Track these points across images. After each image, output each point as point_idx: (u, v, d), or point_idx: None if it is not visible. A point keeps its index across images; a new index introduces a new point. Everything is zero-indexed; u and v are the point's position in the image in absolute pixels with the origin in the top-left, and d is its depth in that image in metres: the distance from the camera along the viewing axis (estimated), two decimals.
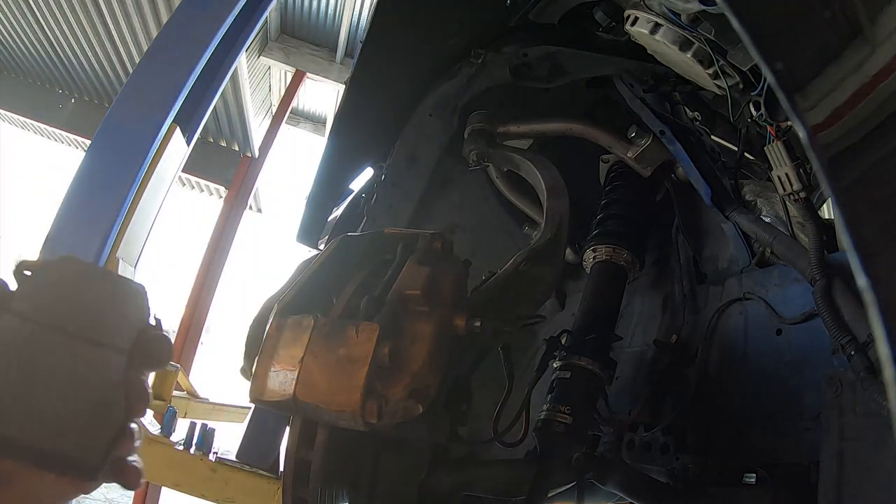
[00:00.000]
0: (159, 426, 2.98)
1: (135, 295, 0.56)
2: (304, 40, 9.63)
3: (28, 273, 0.55)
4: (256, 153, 10.16)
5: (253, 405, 0.91)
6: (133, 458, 0.58)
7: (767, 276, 1.21)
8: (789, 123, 1.05)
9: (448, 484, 1.14)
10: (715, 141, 1.46)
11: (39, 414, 0.51)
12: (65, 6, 8.17)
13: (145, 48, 6.79)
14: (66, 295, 0.54)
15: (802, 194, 1.05)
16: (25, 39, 9.20)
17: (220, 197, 10.35)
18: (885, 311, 0.39)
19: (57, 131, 10.67)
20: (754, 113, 1.09)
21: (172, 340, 0.63)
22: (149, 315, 0.57)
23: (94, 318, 0.54)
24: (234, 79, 8.26)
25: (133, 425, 0.56)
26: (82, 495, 0.56)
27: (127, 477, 0.57)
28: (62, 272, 0.56)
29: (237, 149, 10.41)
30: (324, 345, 0.80)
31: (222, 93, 5.85)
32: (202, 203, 11.76)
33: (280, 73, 10.42)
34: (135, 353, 0.55)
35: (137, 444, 0.57)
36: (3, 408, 0.50)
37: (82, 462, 0.52)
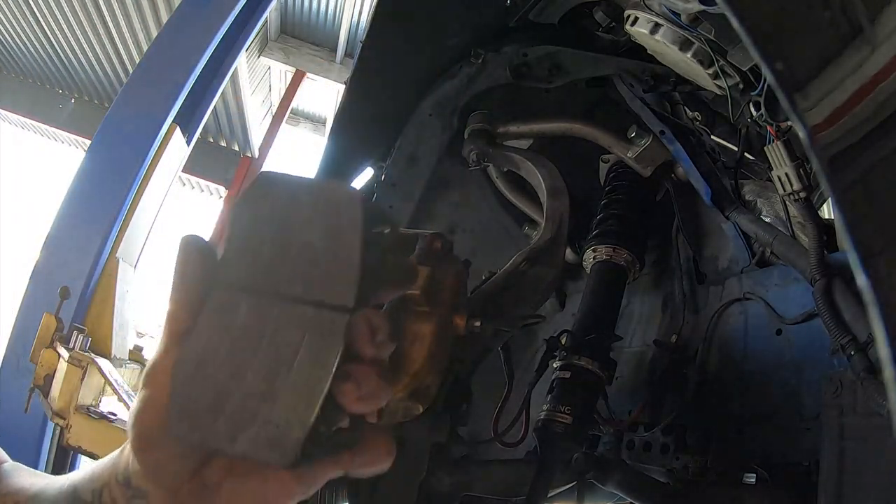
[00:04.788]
0: None
1: (349, 220, 0.46)
2: (304, 40, 9.62)
3: (231, 224, 0.47)
4: (256, 153, 10.16)
5: None
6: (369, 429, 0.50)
7: (767, 276, 1.21)
8: (789, 123, 1.05)
9: (448, 484, 1.14)
10: (715, 141, 1.46)
11: (266, 419, 0.43)
12: (65, 6, 8.17)
13: (145, 48, 6.79)
14: (276, 246, 0.46)
15: (802, 194, 1.05)
16: (25, 39, 9.20)
17: (220, 197, 10.35)
18: (885, 311, 0.39)
19: (57, 131, 10.67)
20: (754, 113, 1.09)
21: None
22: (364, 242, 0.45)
23: (310, 272, 0.45)
24: (234, 79, 8.27)
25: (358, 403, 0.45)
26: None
27: (356, 454, 0.50)
28: (265, 212, 0.47)
29: (237, 149, 10.42)
30: None
31: (222, 93, 5.86)
32: (202, 203, 11.76)
33: (280, 73, 10.42)
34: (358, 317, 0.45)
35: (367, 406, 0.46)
36: (222, 409, 0.44)
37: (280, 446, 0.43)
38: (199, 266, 0.47)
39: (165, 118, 4.35)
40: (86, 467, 0.58)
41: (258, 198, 0.47)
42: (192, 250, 0.47)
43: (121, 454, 0.54)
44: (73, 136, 10.49)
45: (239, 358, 0.44)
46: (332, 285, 0.44)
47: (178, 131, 4.57)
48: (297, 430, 0.42)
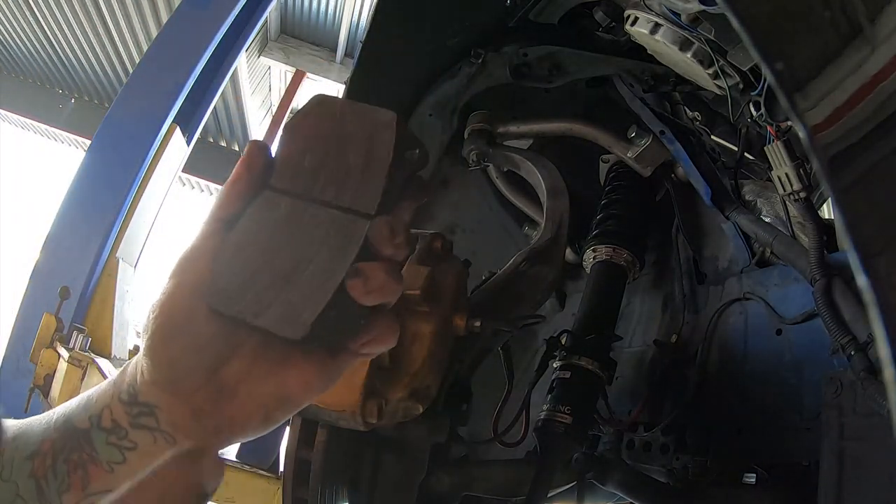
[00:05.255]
0: None
1: (383, 139, 0.53)
2: (304, 40, 9.61)
3: (282, 137, 0.55)
4: None
5: None
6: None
7: (767, 276, 1.21)
8: (789, 123, 1.05)
9: (448, 484, 1.14)
10: (715, 141, 1.46)
11: (286, 299, 0.49)
12: (65, 6, 8.17)
13: (145, 48, 6.79)
14: (318, 158, 0.53)
15: (802, 194, 1.05)
16: (25, 39, 9.20)
17: None
18: (885, 311, 0.39)
19: (57, 131, 10.65)
20: (754, 113, 1.09)
21: None
22: (393, 158, 0.52)
23: (343, 181, 0.52)
24: (234, 79, 8.27)
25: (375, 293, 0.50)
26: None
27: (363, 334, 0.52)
28: (313, 130, 0.54)
29: (237, 149, 10.40)
30: None
31: (222, 93, 5.85)
32: (202, 203, 11.76)
33: (280, 73, 10.41)
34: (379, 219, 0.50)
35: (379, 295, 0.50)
36: (260, 292, 0.49)
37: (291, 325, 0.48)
38: (256, 167, 0.53)
39: (165, 118, 4.35)
40: (77, 397, 0.55)
41: (308, 115, 0.55)
42: (256, 153, 0.54)
43: (122, 374, 0.53)
44: (73, 136, 10.48)
45: (272, 247, 0.51)
46: (359, 194, 0.51)
47: (178, 131, 4.57)
48: (309, 311, 0.48)
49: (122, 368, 0.54)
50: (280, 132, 0.56)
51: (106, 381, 0.55)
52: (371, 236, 0.50)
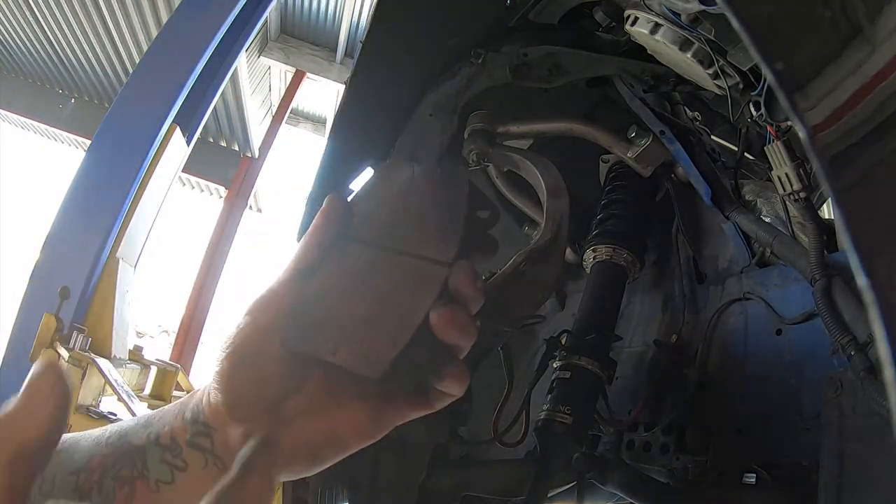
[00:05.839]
0: None
1: (457, 196, 0.56)
2: (304, 40, 9.63)
3: (357, 194, 0.57)
4: (256, 153, 10.15)
5: None
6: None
7: (767, 276, 1.21)
8: (789, 123, 1.05)
9: (448, 484, 1.14)
10: (715, 141, 1.46)
11: (365, 338, 0.50)
12: (65, 6, 8.17)
13: (145, 48, 6.79)
14: (395, 213, 0.55)
15: (802, 194, 1.05)
16: (25, 39, 9.21)
17: (220, 197, 10.35)
18: (885, 311, 0.39)
19: (57, 131, 10.65)
20: (754, 113, 1.09)
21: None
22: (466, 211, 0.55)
23: (421, 234, 0.54)
24: (234, 79, 8.27)
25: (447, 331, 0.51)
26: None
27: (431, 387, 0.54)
28: (389, 189, 0.57)
29: (237, 149, 10.41)
30: None
31: (222, 93, 5.86)
32: (202, 203, 11.76)
33: (280, 73, 10.42)
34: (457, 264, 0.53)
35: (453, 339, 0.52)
36: (345, 334, 0.50)
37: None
38: (335, 219, 0.56)
39: (165, 118, 4.35)
40: (137, 416, 0.56)
41: (384, 175, 0.58)
42: (335, 206, 0.57)
43: (190, 397, 0.55)
44: (73, 136, 10.48)
45: (353, 291, 0.53)
46: (437, 245, 0.54)
47: (178, 131, 4.57)
48: (389, 350, 0.49)
49: (191, 392, 0.56)
50: (358, 190, 0.59)
51: (173, 404, 0.56)
52: (451, 280, 0.52)
